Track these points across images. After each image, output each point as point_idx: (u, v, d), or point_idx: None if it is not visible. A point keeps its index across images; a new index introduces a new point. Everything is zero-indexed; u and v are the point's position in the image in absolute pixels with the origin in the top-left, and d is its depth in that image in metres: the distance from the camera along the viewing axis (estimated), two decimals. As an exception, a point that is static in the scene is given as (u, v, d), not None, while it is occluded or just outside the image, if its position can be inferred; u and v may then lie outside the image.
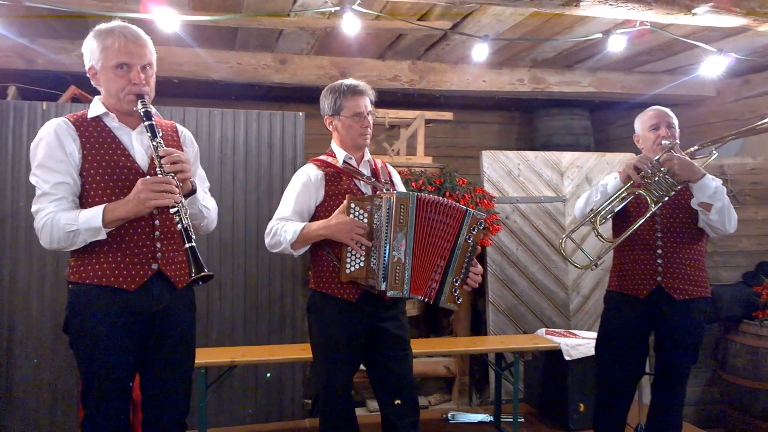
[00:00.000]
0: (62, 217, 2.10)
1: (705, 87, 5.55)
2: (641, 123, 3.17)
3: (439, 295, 2.55)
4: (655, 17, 3.66)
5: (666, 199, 2.92)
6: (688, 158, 2.93)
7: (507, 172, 4.83)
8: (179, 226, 2.09)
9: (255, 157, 4.22)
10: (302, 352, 3.74)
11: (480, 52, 3.84)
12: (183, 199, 2.14)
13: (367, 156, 2.81)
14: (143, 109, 2.17)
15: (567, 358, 3.96)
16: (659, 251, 3.01)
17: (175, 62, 4.63)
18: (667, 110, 3.13)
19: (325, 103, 2.76)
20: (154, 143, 2.15)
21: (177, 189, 2.11)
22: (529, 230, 4.80)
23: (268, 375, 4.11)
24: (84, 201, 2.19)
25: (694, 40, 4.26)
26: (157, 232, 2.23)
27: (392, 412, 2.72)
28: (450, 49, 4.76)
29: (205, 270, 2.07)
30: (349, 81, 2.76)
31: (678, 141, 3.09)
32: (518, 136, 6.63)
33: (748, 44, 4.50)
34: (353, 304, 2.63)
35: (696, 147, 3.12)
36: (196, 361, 3.38)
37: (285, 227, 2.61)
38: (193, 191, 2.30)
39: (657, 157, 2.96)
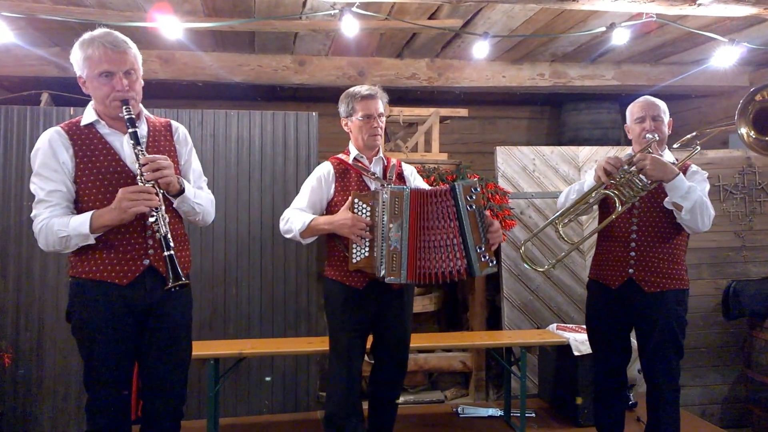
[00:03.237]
0: (55, 224, 2.25)
1: (737, 77, 5.37)
2: (630, 114, 3.20)
3: (471, 267, 2.72)
4: (659, 9, 3.62)
5: (636, 199, 2.95)
6: (662, 158, 2.93)
7: (522, 167, 4.81)
8: (158, 234, 2.23)
9: (270, 157, 4.34)
10: (309, 345, 3.85)
11: (481, 49, 3.86)
12: (163, 207, 2.25)
13: (381, 154, 3.05)
14: (127, 116, 2.28)
15: (576, 353, 3.94)
16: (633, 244, 3.04)
17: (198, 66, 4.81)
18: (656, 102, 3.12)
19: (342, 107, 3.03)
20: (136, 151, 2.26)
21: (157, 197, 2.23)
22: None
23: (267, 379, 4.28)
24: (79, 205, 2.33)
25: (712, 32, 4.16)
26: (149, 231, 2.35)
27: (380, 369, 3.12)
28: (466, 45, 4.76)
29: (182, 279, 2.21)
30: (363, 86, 3.02)
31: (667, 131, 3.10)
32: (548, 131, 6.56)
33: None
34: (361, 291, 2.89)
35: (683, 140, 3.12)
36: (206, 353, 3.61)
37: (297, 216, 2.90)
38: (182, 191, 2.40)
39: (632, 155, 3.00)
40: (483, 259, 2.72)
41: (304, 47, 4.78)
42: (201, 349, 3.67)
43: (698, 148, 3.12)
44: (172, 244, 2.22)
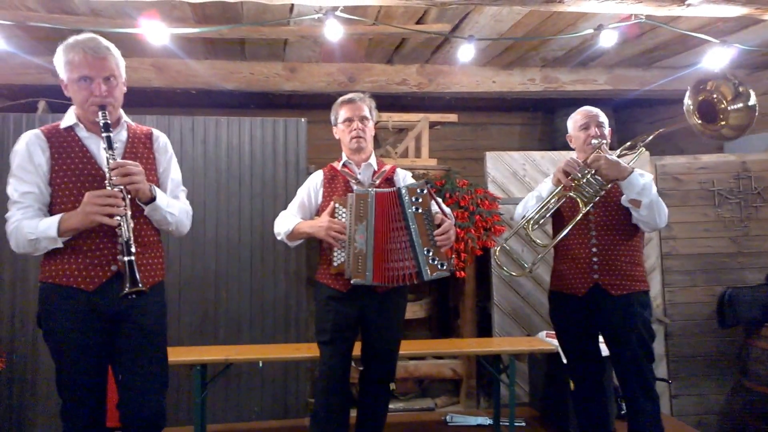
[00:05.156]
0: (25, 226, 2.27)
1: (733, 81, 5.30)
2: (573, 123, 3.24)
3: (420, 272, 2.75)
4: (646, 10, 3.58)
5: (597, 198, 2.99)
6: (615, 157, 2.97)
7: (512, 172, 4.78)
8: (120, 239, 2.22)
9: (260, 163, 4.36)
10: (296, 351, 3.84)
11: (466, 53, 3.85)
12: (129, 213, 2.24)
13: (371, 160, 3.10)
14: (103, 121, 2.30)
15: (565, 361, 3.88)
16: (594, 249, 3.06)
17: (191, 74, 4.86)
18: (597, 110, 3.20)
19: (332, 116, 3.18)
20: (107, 155, 2.28)
21: (123, 202, 2.23)
22: (536, 230, 4.72)
23: (260, 365, 4.11)
24: (53, 207, 2.35)
25: (705, 34, 4.11)
26: (118, 236, 2.30)
27: (367, 375, 3.13)
28: (455, 51, 4.73)
29: (139, 286, 2.19)
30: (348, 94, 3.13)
31: (608, 140, 3.14)
32: (541, 136, 6.53)
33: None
34: (345, 294, 2.94)
35: (625, 146, 3.20)
36: (192, 359, 3.61)
37: (285, 221, 3.04)
38: (153, 198, 2.40)
39: (585, 158, 3.03)
40: (431, 263, 2.72)
41: (295, 54, 4.81)
42: (187, 354, 3.69)
43: (643, 150, 3.16)
44: (133, 250, 2.22)
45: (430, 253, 2.73)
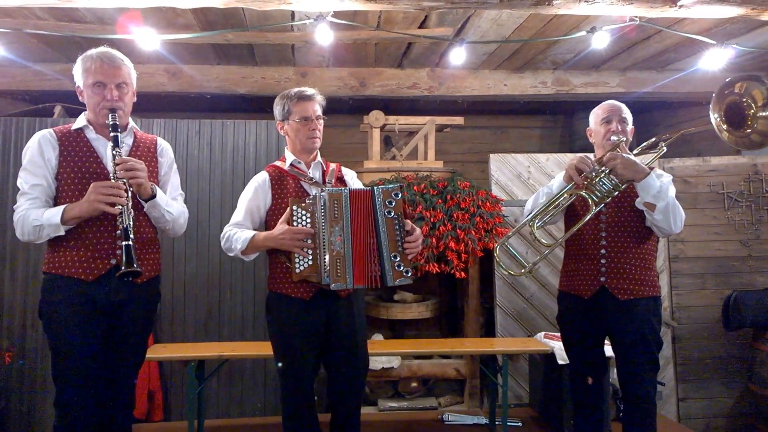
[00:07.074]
0: (32, 214, 2.46)
1: (749, 83, 5.20)
2: (594, 116, 3.13)
3: (384, 276, 2.62)
4: (638, 11, 3.53)
5: (609, 199, 2.87)
6: (632, 157, 2.85)
7: (516, 174, 4.79)
8: (121, 226, 2.40)
9: (264, 165, 4.39)
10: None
11: (457, 56, 3.88)
12: (130, 203, 2.43)
13: (319, 158, 2.93)
14: (112, 122, 2.50)
15: (561, 362, 3.88)
16: (603, 251, 2.95)
17: (204, 79, 4.99)
18: (622, 105, 3.07)
19: (277, 109, 2.92)
20: (114, 152, 2.47)
21: (125, 194, 2.42)
22: (539, 232, 4.70)
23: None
24: (58, 201, 2.54)
25: (711, 36, 4.05)
26: (118, 231, 2.49)
27: (337, 380, 2.86)
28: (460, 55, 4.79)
29: (135, 266, 2.34)
30: (299, 88, 2.88)
31: (629, 138, 3.03)
32: (560, 140, 6.49)
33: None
34: (307, 302, 2.74)
35: (644, 144, 3.05)
36: (188, 354, 3.73)
37: (237, 235, 2.77)
38: (153, 196, 2.58)
39: (601, 156, 2.92)
40: (397, 269, 2.62)
41: (304, 59, 4.90)
42: (183, 351, 3.83)
43: (664, 148, 3.01)
44: (132, 236, 2.38)
45: (397, 259, 2.61)
